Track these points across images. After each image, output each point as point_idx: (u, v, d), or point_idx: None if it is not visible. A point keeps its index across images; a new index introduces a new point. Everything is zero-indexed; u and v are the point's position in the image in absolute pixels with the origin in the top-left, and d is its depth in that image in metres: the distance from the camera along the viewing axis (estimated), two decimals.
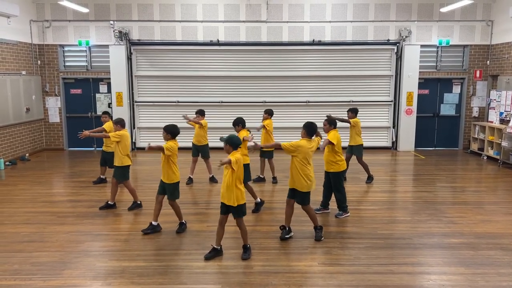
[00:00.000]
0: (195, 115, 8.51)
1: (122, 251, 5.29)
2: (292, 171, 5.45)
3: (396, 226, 6.18)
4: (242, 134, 6.63)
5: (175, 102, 12.34)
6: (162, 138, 5.66)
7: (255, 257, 5.07)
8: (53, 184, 8.83)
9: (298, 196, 5.50)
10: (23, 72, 11.37)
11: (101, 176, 8.58)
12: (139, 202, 6.92)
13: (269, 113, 8.51)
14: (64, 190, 8.37)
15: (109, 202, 6.89)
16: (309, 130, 5.46)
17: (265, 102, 12.12)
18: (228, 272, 4.72)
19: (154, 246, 5.46)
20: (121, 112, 11.88)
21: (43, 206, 7.12)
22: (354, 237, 5.73)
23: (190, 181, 8.52)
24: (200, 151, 8.50)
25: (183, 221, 5.95)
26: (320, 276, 4.62)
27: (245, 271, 4.73)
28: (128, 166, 6.82)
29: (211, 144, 8.75)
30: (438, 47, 12.33)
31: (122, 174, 6.77)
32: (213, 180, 8.62)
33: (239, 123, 6.96)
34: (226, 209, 4.91)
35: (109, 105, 12.36)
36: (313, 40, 12.04)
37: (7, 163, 10.32)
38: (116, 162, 6.74)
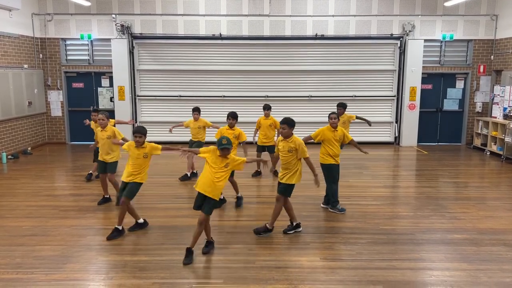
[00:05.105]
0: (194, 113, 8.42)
1: (124, 245, 5.28)
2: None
3: (399, 222, 6.16)
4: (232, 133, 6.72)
5: (177, 96, 12.31)
6: (140, 142, 5.47)
7: (257, 252, 5.07)
8: (55, 178, 8.84)
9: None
10: (25, 66, 11.35)
11: (91, 172, 8.58)
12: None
13: (269, 108, 8.56)
14: (66, 184, 8.38)
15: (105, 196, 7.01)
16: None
17: (267, 96, 12.09)
18: (230, 267, 4.71)
19: (156, 240, 5.45)
20: (123, 106, 11.88)
21: (45, 200, 7.13)
22: (356, 232, 5.71)
23: (187, 177, 8.49)
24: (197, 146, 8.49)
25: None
26: (322, 271, 4.61)
27: (247, 266, 4.72)
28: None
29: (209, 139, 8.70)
30: (441, 41, 12.24)
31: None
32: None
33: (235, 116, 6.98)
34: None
35: (111, 99, 12.35)
36: (316, 34, 11.97)
37: (9, 156, 10.33)
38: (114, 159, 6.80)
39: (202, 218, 4.81)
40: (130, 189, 5.48)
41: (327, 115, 6.43)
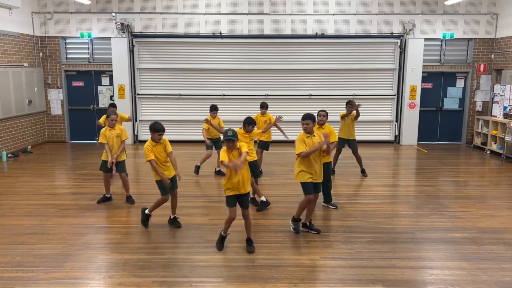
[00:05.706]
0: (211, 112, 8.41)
1: (124, 244, 5.29)
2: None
3: (399, 220, 6.16)
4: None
5: (177, 95, 12.31)
6: (159, 138, 5.52)
7: (257, 250, 5.06)
8: (55, 177, 8.84)
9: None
10: (25, 64, 11.35)
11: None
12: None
13: (266, 107, 8.54)
14: (67, 182, 8.38)
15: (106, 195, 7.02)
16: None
17: (267, 95, 12.08)
18: (230, 266, 4.72)
19: (156, 239, 5.46)
20: (123, 104, 11.87)
21: (46, 199, 7.13)
22: (356, 231, 5.71)
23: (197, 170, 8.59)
24: (215, 143, 8.54)
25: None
26: (322, 270, 4.61)
27: (247, 265, 4.72)
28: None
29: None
30: (442, 40, 12.23)
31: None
32: (220, 173, 8.60)
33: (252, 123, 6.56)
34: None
35: (111, 97, 12.35)
36: (316, 33, 11.96)
37: (9, 155, 10.33)
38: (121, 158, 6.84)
39: (246, 212, 5.01)
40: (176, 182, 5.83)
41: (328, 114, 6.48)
